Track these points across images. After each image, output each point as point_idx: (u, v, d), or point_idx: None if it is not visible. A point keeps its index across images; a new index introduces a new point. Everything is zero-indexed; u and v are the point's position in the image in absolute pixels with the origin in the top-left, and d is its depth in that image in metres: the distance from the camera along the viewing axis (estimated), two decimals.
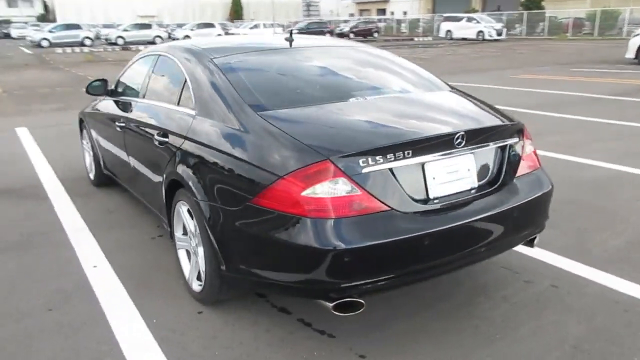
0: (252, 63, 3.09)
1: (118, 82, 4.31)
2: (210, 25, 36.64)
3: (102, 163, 4.74)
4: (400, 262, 2.28)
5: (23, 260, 3.50)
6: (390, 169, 2.26)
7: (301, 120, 2.52)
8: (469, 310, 2.81)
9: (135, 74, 4.01)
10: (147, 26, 35.47)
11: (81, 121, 5.24)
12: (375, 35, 38.74)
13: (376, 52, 3.62)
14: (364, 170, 2.20)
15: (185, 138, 2.80)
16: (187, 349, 2.50)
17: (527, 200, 2.63)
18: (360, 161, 2.19)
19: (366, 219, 2.19)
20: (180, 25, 41.40)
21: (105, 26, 40.61)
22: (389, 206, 2.23)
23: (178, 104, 3.08)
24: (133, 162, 3.75)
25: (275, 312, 2.79)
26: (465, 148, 2.45)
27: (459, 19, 35.01)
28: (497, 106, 3.04)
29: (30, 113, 9.74)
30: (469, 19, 34.36)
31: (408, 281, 2.43)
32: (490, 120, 2.77)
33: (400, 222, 2.24)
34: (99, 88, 4.26)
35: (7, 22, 59.42)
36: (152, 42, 33.15)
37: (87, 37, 32.65)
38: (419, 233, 2.26)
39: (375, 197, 2.20)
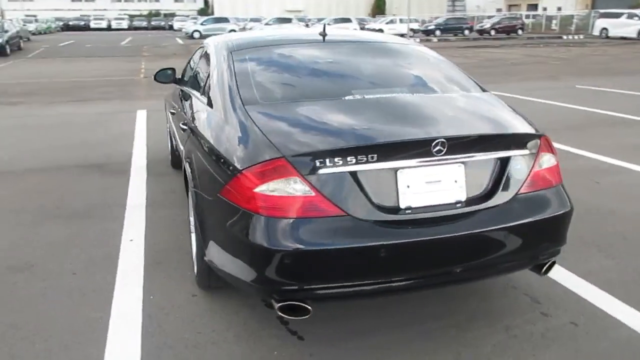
0: (268, 57, 3.10)
1: (183, 71, 4.60)
2: (347, 20, 37.17)
3: (173, 145, 5.10)
4: (354, 272, 2.16)
5: (76, 227, 3.90)
6: (352, 173, 2.13)
7: (281, 115, 2.48)
8: (460, 333, 2.57)
9: (191, 63, 4.25)
10: (288, 20, 37.06)
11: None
12: (520, 32, 36.31)
13: (410, 50, 3.41)
14: (320, 172, 2.11)
15: (192, 126, 2.92)
16: (162, 328, 2.62)
17: (528, 220, 2.33)
18: (317, 162, 2.10)
19: (317, 223, 2.10)
20: (320, 20, 42.56)
21: (253, 20, 43.09)
22: (344, 211, 2.11)
23: (202, 93, 3.20)
24: (177, 145, 4.00)
25: (261, 306, 2.80)
26: (450, 157, 2.24)
27: (617, 16, 31.37)
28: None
29: (157, 97, 10.69)
30: (630, 16, 30.64)
31: (368, 293, 2.29)
32: (492, 128, 2.49)
33: (356, 229, 2.12)
34: (166, 76, 4.57)
35: (173, 15, 65.98)
36: None
37: (233, 30, 34.99)
38: (376, 243, 2.12)
39: (330, 201, 2.10)
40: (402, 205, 2.20)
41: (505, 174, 2.35)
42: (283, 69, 3.01)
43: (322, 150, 2.13)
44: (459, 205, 2.28)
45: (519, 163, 2.38)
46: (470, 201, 2.30)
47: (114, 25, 57.56)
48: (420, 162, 2.21)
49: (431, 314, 2.73)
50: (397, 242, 2.15)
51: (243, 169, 2.18)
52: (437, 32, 36.07)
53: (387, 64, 3.16)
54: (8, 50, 21.94)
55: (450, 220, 2.26)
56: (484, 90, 2.95)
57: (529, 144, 2.43)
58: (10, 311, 2.77)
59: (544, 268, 2.51)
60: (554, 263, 2.55)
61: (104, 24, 57.02)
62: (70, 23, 58.02)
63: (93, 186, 4.92)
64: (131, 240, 3.67)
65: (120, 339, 2.53)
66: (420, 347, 2.47)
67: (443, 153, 2.20)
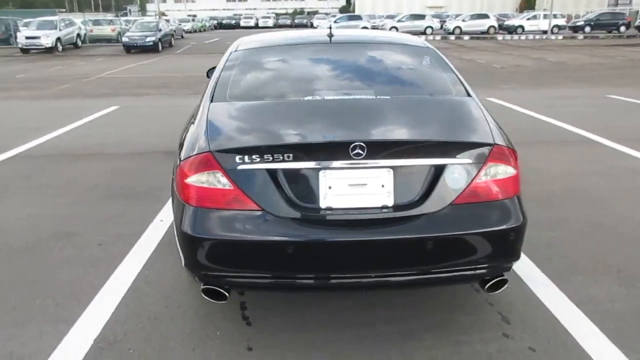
0: (259, 57, 3.25)
1: None
2: (484, 17, 35.59)
3: None
4: (267, 265, 2.25)
5: (127, 206, 4.42)
6: (270, 170, 2.23)
7: (232, 113, 2.64)
8: (404, 341, 2.52)
9: None
10: (421, 17, 36.46)
11: None
12: None
13: (407, 50, 3.33)
14: (239, 167, 2.23)
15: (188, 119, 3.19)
16: (140, 300, 2.93)
17: (461, 231, 2.23)
18: (237, 158, 2.23)
19: (235, 215, 2.24)
20: (457, 16, 41.24)
21: (388, 17, 43.12)
22: (260, 207, 2.22)
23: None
24: None
25: (235, 293, 2.97)
26: (377, 161, 2.22)
27: None
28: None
29: None
30: None
31: (285, 287, 2.38)
32: (430, 134, 2.40)
33: (270, 224, 2.21)
34: None
35: (316, 13, 68.56)
36: (423, 33, 33.99)
37: (365, 27, 35.44)
38: (290, 240, 2.20)
39: (247, 195, 2.22)
40: (323, 206, 2.24)
41: (439, 182, 2.26)
42: (265, 69, 3.15)
43: (242, 147, 2.26)
44: (385, 210, 2.25)
45: (456, 172, 2.27)
46: (398, 207, 2.26)
47: (260, 23, 61.25)
48: (343, 164, 2.22)
49: (387, 318, 2.71)
50: (311, 240, 2.20)
51: (181, 161, 2.38)
52: (587, 29, 32.96)
53: (371, 66, 3.15)
54: (160, 47, 24.84)
55: (374, 224, 2.25)
56: (468, 95, 2.81)
57: (473, 154, 2.30)
58: (34, 271, 3.29)
59: (488, 284, 2.37)
60: (503, 281, 2.39)
61: (252, 22, 60.90)
62: (223, 22, 62.87)
63: (166, 171, 5.45)
64: (161, 220, 4.07)
65: (101, 304, 2.89)
66: (354, 348, 2.49)
67: (363, 157, 2.19)
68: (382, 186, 2.25)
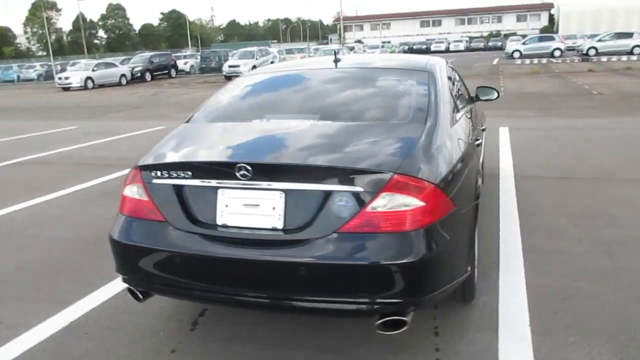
0: (251, 82, 3.46)
1: None
2: (627, 36, 30.83)
3: None
4: (171, 274, 2.41)
5: None
6: (176, 186, 2.40)
7: (183, 133, 2.88)
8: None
9: None
10: (628, 35, 32.10)
11: None
12: None
13: (393, 76, 3.22)
14: (154, 182, 2.46)
15: None
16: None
17: (343, 262, 2.13)
18: (153, 173, 2.46)
19: (144, 223, 2.46)
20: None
21: (591, 36, 39.09)
22: (165, 219, 2.40)
23: None
24: None
25: None
26: (269, 183, 2.26)
27: None
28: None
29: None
30: None
31: (187, 297, 2.49)
32: (327, 160, 2.31)
33: (172, 237, 2.38)
34: None
35: (513, 34, 65.21)
36: (630, 53, 30.10)
37: (557, 49, 32.61)
38: (185, 252, 2.34)
39: (157, 207, 2.43)
40: (219, 223, 2.34)
41: (326, 209, 2.18)
42: (244, 93, 3.33)
43: (157, 163, 2.49)
44: (274, 232, 2.26)
45: (345, 199, 2.17)
46: (287, 230, 2.24)
47: (451, 47, 60.56)
48: (237, 184, 2.29)
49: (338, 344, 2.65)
50: (206, 255, 2.31)
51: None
52: None
53: (338, 92, 3.15)
54: None
55: (263, 245, 2.27)
56: (425, 122, 2.62)
57: (367, 182, 2.16)
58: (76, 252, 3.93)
59: (378, 322, 2.19)
60: (399, 321, 2.18)
61: (442, 47, 60.56)
62: (414, 47, 63.69)
63: None
64: None
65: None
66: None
67: (249, 178, 2.24)
68: (273, 208, 2.26)
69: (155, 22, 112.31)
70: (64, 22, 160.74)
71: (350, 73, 3.35)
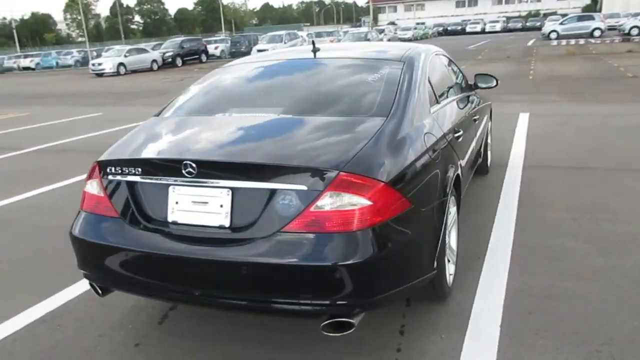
0: (228, 74, 3.41)
1: None
2: None
3: None
4: (124, 269, 2.41)
5: None
6: (129, 182, 2.40)
7: (147, 127, 2.87)
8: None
9: None
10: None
11: None
12: None
13: (368, 68, 3.10)
14: (109, 177, 2.46)
15: None
16: None
17: (286, 262, 2.09)
18: (108, 169, 2.47)
19: (100, 220, 2.47)
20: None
21: (634, 15, 37.22)
22: (118, 214, 2.41)
23: None
24: None
25: None
26: (216, 181, 2.23)
27: None
28: None
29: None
30: None
31: (141, 293, 2.51)
32: (273, 158, 2.25)
33: (124, 233, 2.38)
34: None
35: (553, 14, 62.80)
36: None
37: (597, 29, 31.24)
38: (138, 248, 2.34)
39: (111, 203, 2.43)
40: (170, 220, 2.33)
41: (271, 207, 2.14)
42: (215, 85, 3.30)
43: (112, 159, 2.48)
44: (221, 230, 2.23)
45: (290, 198, 2.12)
46: (233, 228, 2.22)
47: (487, 28, 58.76)
48: (187, 182, 2.27)
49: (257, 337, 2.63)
50: (156, 251, 2.30)
51: None
52: None
53: (307, 85, 3.10)
54: None
55: (212, 243, 2.24)
56: (387, 116, 2.54)
57: (312, 180, 2.10)
58: None
59: (323, 323, 2.14)
60: (346, 323, 2.13)
61: (478, 28, 58.87)
62: (449, 28, 62.19)
63: None
64: None
65: None
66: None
67: (195, 175, 2.22)
68: (221, 206, 2.23)
69: (190, 7, 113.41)
70: (102, 8, 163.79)
71: (324, 65, 3.26)
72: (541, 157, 6.00)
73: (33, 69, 44.88)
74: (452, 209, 3.03)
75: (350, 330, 2.17)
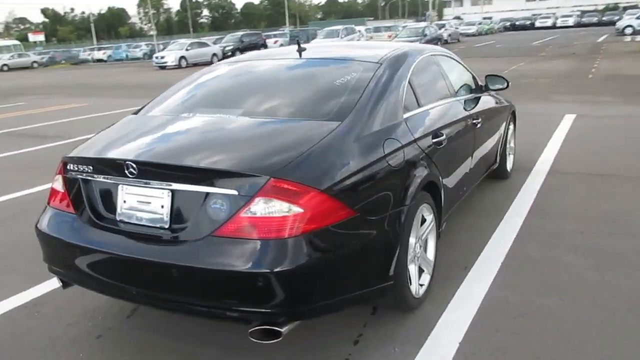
0: (209, 73, 3.44)
1: None
2: None
3: None
4: (77, 264, 2.47)
5: None
6: (84, 180, 2.48)
7: (120, 125, 2.93)
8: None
9: None
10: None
11: None
12: None
13: (342, 70, 3.02)
14: (69, 175, 2.54)
15: None
16: None
17: (212, 267, 2.09)
18: (70, 166, 2.55)
19: (61, 215, 2.56)
20: None
21: None
22: (75, 212, 2.49)
23: None
24: None
25: None
26: (157, 182, 2.26)
27: None
28: None
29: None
30: None
31: (93, 289, 2.56)
32: (208, 161, 2.27)
33: (78, 230, 2.46)
34: None
35: (634, 7, 58.85)
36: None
37: None
38: (86, 244, 2.40)
39: (70, 199, 2.52)
40: (118, 218, 2.38)
41: (202, 211, 2.14)
42: (194, 85, 3.31)
43: (73, 157, 2.56)
44: (161, 230, 2.26)
45: (220, 202, 2.11)
46: (171, 229, 2.24)
47: (559, 23, 55.98)
48: (133, 182, 2.31)
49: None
50: (103, 248, 2.35)
51: None
52: None
53: (280, 86, 3.07)
54: None
55: (152, 242, 2.27)
56: (340, 122, 2.47)
57: (243, 185, 2.08)
58: None
59: (251, 329, 2.12)
60: (273, 331, 2.09)
61: (549, 22, 56.20)
62: (517, 23, 59.76)
63: None
64: None
65: None
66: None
67: (136, 176, 2.26)
68: (162, 207, 2.26)
69: (257, 1, 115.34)
70: (174, 2, 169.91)
71: (299, 66, 3.22)
72: (571, 163, 5.66)
73: (105, 61, 47.25)
74: (428, 217, 2.91)
75: (278, 339, 2.13)
